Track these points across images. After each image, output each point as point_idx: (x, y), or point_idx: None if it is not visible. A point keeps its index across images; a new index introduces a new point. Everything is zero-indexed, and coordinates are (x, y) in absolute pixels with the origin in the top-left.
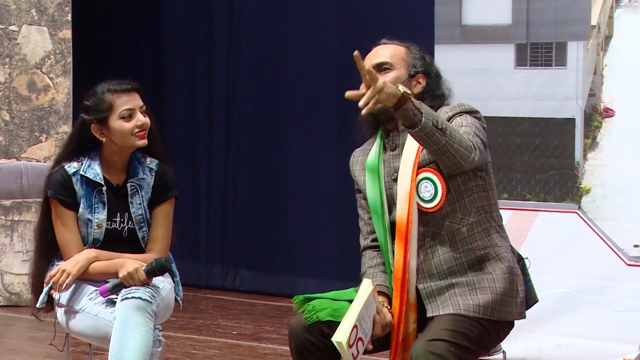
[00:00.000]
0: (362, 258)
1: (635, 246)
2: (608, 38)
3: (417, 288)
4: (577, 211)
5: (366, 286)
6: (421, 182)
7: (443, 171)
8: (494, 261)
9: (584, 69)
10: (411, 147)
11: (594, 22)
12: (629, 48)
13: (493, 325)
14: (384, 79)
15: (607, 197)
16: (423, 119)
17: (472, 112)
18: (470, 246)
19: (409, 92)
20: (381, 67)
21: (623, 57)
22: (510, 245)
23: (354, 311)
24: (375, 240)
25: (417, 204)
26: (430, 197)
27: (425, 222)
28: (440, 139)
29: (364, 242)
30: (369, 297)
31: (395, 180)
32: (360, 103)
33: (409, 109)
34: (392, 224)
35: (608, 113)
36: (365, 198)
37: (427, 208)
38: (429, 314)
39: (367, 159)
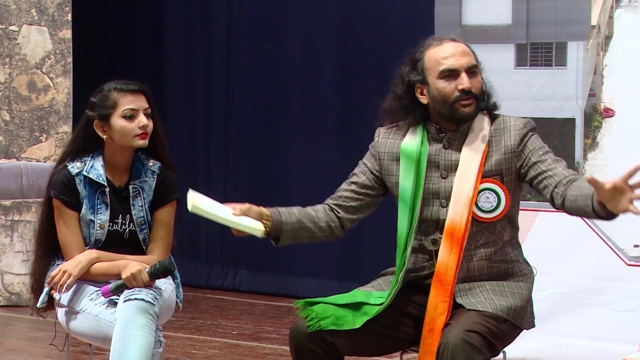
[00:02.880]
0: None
1: (635, 246)
2: (608, 38)
3: None
4: None
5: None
6: (482, 192)
7: (507, 185)
8: (519, 273)
9: (584, 69)
10: (474, 153)
11: (594, 22)
12: (629, 48)
13: (513, 329)
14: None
15: None
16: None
17: (535, 128)
18: (502, 258)
19: None
20: (472, 70)
21: (623, 57)
22: None
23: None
24: (341, 208)
25: (473, 212)
26: (491, 208)
27: (473, 226)
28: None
29: (331, 200)
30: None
31: (445, 178)
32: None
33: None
34: (428, 220)
35: (608, 113)
36: (376, 183)
37: (483, 218)
38: (458, 301)
39: (401, 143)
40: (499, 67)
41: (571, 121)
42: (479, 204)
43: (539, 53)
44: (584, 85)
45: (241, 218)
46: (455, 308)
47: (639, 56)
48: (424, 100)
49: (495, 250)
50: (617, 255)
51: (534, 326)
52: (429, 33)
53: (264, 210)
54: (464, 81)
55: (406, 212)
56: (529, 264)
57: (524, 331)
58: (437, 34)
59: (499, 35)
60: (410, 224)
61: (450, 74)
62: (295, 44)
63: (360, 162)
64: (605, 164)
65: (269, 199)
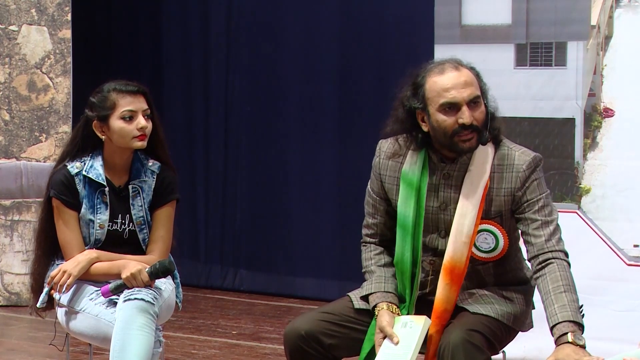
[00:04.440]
0: (364, 250)
1: (635, 246)
2: (608, 38)
3: None
4: (577, 211)
5: (423, 324)
6: (481, 233)
7: (505, 225)
8: (520, 279)
9: (584, 69)
10: (475, 188)
11: (593, 22)
12: (629, 48)
13: (513, 331)
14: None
15: (607, 197)
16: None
17: (541, 164)
18: (502, 270)
19: (583, 341)
20: (474, 101)
21: (623, 57)
22: None
23: (411, 354)
24: (383, 240)
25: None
26: (488, 249)
27: (469, 265)
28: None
29: (370, 238)
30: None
31: (444, 210)
32: None
33: None
34: (426, 246)
35: (608, 113)
36: (389, 206)
37: (481, 257)
38: (459, 305)
39: (402, 168)
40: (498, 67)
41: (571, 121)
42: (477, 244)
43: (539, 53)
44: (584, 85)
45: (413, 343)
46: (458, 311)
47: (639, 56)
48: (424, 127)
49: (495, 267)
50: (617, 255)
51: (532, 327)
52: (429, 33)
53: (392, 307)
54: (465, 116)
55: (408, 240)
56: (529, 269)
57: (525, 332)
58: (438, 59)
59: (498, 35)
60: (414, 252)
61: (451, 107)
62: (295, 44)
63: (367, 188)
64: (605, 164)
65: (268, 199)
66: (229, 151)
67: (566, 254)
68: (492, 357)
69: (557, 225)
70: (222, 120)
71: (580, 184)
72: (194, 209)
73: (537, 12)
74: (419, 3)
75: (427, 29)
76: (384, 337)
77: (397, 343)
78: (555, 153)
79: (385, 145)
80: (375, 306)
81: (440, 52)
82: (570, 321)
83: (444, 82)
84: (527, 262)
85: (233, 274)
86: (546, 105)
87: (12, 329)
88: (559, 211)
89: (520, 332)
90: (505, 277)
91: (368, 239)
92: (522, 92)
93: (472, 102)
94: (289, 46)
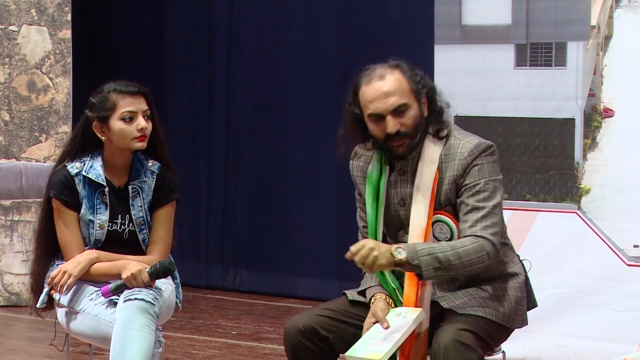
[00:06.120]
0: None
1: (635, 246)
2: (608, 38)
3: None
4: (577, 211)
5: (417, 315)
6: (436, 224)
7: (456, 215)
8: (507, 274)
9: (584, 69)
10: (425, 182)
11: (593, 22)
12: (629, 48)
13: (505, 329)
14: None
15: (606, 197)
16: (424, 274)
17: (488, 151)
18: None
19: (402, 255)
20: (399, 110)
21: (623, 57)
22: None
23: (399, 336)
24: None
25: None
26: (446, 239)
27: None
28: (451, 272)
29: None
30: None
31: (403, 205)
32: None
33: (406, 269)
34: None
35: (608, 113)
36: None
37: None
38: (444, 306)
39: (368, 167)
40: (498, 67)
41: (571, 121)
42: (436, 235)
43: (539, 53)
44: (584, 85)
45: (403, 328)
46: (447, 312)
47: (639, 56)
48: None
49: None
50: (617, 255)
51: (526, 324)
52: (429, 33)
53: (388, 299)
54: (389, 125)
55: (372, 238)
56: (520, 261)
57: (524, 331)
58: (369, 67)
59: (498, 35)
60: None
61: (377, 118)
62: (296, 45)
63: (355, 192)
64: (605, 164)
65: (269, 199)
66: (230, 151)
67: (487, 239)
68: (492, 357)
69: (490, 211)
70: (224, 121)
71: (580, 184)
72: (195, 209)
73: (537, 12)
74: (419, 3)
75: (427, 29)
76: (375, 322)
77: (386, 328)
78: (555, 153)
79: (357, 149)
80: (372, 297)
81: (440, 52)
82: (414, 245)
83: (369, 94)
84: (517, 255)
85: (233, 274)
86: (546, 105)
87: (12, 329)
88: (558, 211)
89: (519, 332)
90: (489, 272)
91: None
92: (522, 92)
93: (397, 111)
94: (290, 47)
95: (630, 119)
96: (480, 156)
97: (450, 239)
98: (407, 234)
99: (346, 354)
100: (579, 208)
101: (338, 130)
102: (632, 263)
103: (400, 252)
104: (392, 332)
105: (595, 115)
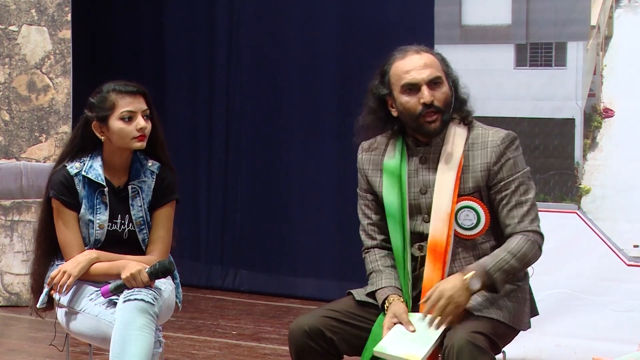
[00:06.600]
0: (368, 256)
1: (635, 246)
2: (608, 38)
3: None
4: (577, 211)
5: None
6: (462, 210)
7: (485, 201)
8: (520, 275)
9: (584, 69)
10: (449, 169)
11: (593, 22)
12: (629, 48)
13: (513, 330)
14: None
15: (606, 197)
16: (498, 289)
17: (516, 142)
18: None
19: (478, 286)
20: (434, 82)
21: (623, 57)
22: None
23: (436, 338)
24: (385, 241)
25: (455, 230)
26: (471, 226)
27: (456, 242)
28: (516, 274)
29: (371, 241)
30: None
31: (424, 194)
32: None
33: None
34: (413, 232)
35: (608, 113)
36: (377, 198)
37: (464, 235)
38: None
39: (384, 159)
40: (498, 67)
41: (571, 121)
42: (459, 222)
43: (539, 53)
44: (584, 85)
45: (436, 335)
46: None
47: (638, 56)
48: (394, 112)
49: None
50: (617, 255)
51: (529, 327)
52: (429, 33)
53: (401, 298)
54: (425, 95)
55: (397, 227)
56: None
57: (524, 331)
58: (402, 47)
59: (498, 35)
60: (403, 239)
61: (412, 88)
62: (296, 45)
63: (357, 192)
64: (605, 164)
65: (269, 199)
66: (231, 152)
67: (536, 232)
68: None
69: (532, 204)
70: (224, 121)
71: (580, 184)
72: (195, 209)
73: (537, 12)
74: (419, 3)
75: (427, 29)
76: (396, 323)
77: (413, 331)
78: (555, 153)
79: (365, 144)
80: (386, 298)
81: (440, 52)
82: (483, 268)
83: (404, 65)
84: None
85: (233, 274)
86: (546, 105)
87: (12, 329)
88: (558, 211)
89: (520, 333)
90: None
91: (369, 244)
92: (522, 92)
93: (432, 83)
94: (290, 47)
95: (630, 119)
96: (512, 147)
97: (476, 225)
98: (426, 222)
99: (375, 348)
100: (579, 208)
101: (357, 120)
102: (632, 263)
103: (475, 284)
104: (421, 335)
105: (595, 115)
